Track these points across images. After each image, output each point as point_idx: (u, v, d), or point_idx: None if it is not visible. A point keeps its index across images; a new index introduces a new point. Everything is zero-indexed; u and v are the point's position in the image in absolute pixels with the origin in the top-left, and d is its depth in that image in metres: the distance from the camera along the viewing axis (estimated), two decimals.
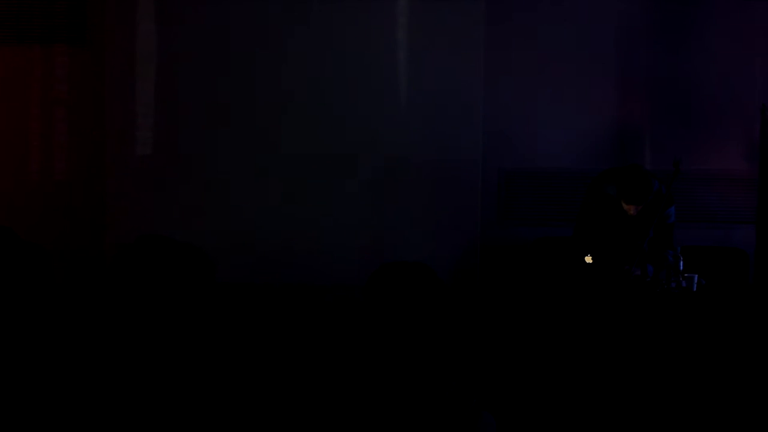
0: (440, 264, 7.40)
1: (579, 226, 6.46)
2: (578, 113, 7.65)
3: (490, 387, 5.22)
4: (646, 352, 5.63)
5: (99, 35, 7.49)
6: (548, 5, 7.64)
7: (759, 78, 7.72)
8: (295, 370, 5.33)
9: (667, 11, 7.70)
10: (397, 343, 5.75)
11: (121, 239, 7.24)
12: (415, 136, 7.47)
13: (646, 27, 7.69)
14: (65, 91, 7.61)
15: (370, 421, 4.20)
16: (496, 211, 7.68)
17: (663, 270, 6.14)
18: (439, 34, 7.46)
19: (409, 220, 7.49)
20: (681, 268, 6.06)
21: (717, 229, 7.71)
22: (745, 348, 5.76)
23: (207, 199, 7.43)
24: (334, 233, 7.46)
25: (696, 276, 6.09)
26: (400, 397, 4.83)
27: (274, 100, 7.46)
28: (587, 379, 5.35)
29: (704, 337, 5.78)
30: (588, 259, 6.16)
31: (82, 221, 7.55)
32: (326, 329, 6.40)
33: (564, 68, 7.63)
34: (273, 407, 4.59)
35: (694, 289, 6.04)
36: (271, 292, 7.35)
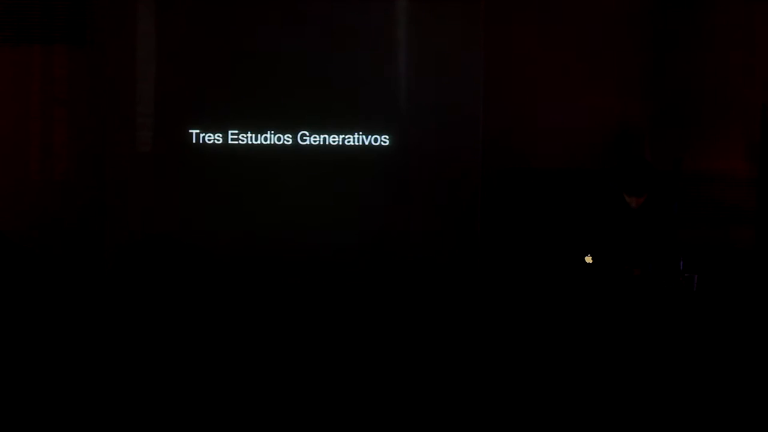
0: (441, 262, 7.41)
1: (599, 229, 6.44)
2: (578, 113, 7.65)
3: (489, 385, 5.22)
4: (646, 352, 5.63)
5: (99, 35, 7.50)
6: (548, 5, 7.65)
7: (759, 78, 7.72)
8: (297, 367, 5.33)
9: (667, 12, 7.71)
10: (398, 340, 5.76)
11: (121, 239, 7.24)
12: (416, 137, 7.48)
13: (646, 28, 7.69)
14: (65, 91, 7.61)
15: (371, 415, 4.20)
16: (496, 210, 7.68)
17: (664, 267, 6.14)
18: (439, 34, 7.46)
19: (410, 219, 7.50)
20: (681, 268, 6.06)
21: (717, 229, 7.71)
22: (745, 348, 5.76)
23: (206, 198, 7.43)
24: (334, 232, 7.46)
25: (696, 276, 6.09)
26: (400, 392, 4.83)
27: (273, 100, 7.46)
28: (587, 379, 5.35)
29: (704, 337, 5.78)
30: (588, 259, 6.16)
31: (82, 221, 7.55)
32: (328, 327, 6.40)
33: (564, 68, 7.64)
34: (275, 402, 4.59)
35: (694, 289, 6.03)
36: (272, 290, 7.35)
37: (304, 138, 7.49)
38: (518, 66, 7.66)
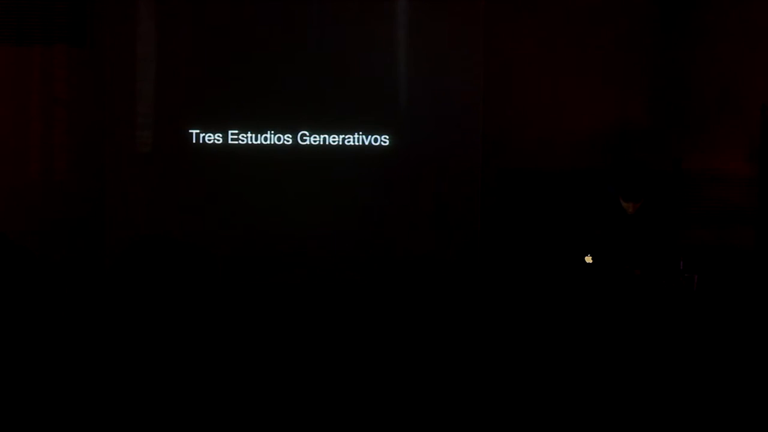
0: (441, 261, 7.40)
1: (591, 230, 6.46)
2: (578, 113, 7.66)
3: (489, 384, 5.22)
4: (646, 352, 5.63)
5: (99, 35, 7.50)
6: (548, 5, 7.65)
7: (759, 78, 7.72)
8: (298, 366, 5.33)
9: (667, 11, 7.71)
10: (399, 340, 5.76)
11: (121, 239, 7.24)
12: (416, 137, 7.48)
13: (646, 27, 7.70)
14: (65, 91, 7.61)
15: (372, 413, 4.20)
16: (496, 210, 7.68)
17: (664, 267, 6.15)
18: (439, 34, 7.46)
19: (411, 219, 7.50)
20: (681, 268, 6.07)
21: (717, 229, 7.71)
22: (745, 348, 5.76)
23: (206, 198, 7.43)
24: (334, 232, 7.46)
25: (696, 276, 6.09)
26: (401, 391, 4.83)
27: (273, 100, 7.46)
28: (587, 378, 5.35)
29: (704, 337, 5.78)
30: (588, 259, 6.16)
31: (82, 221, 7.55)
32: (328, 326, 6.40)
33: (564, 68, 7.64)
34: (276, 402, 4.59)
35: (694, 289, 6.04)
36: (273, 290, 7.35)
37: (304, 138, 7.49)
38: (518, 66, 7.66)
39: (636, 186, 6.22)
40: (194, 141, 7.45)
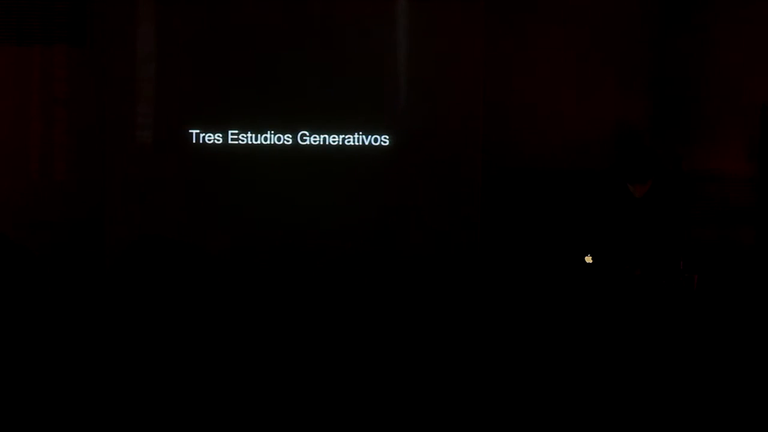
0: (441, 262, 7.40)
1: (601, 227, 6.46)
2: (578, 113, 7.66)
3: (488, 384, 5.22)
4: (646, 352, 5.63)
5: (99, 35, 7.50)
6: (548, 5, 7.65)
7: (759, 78, 7.72)
8: (299, 366, 5.33)
9: (668, 11, 7.71)
10: (399, 340, 5.76)
11: (121, 239, 7.24)
12: (416, 137, 7.48)
13: (646, 27, 7.70)
14: (65, 91, 7.61)
15: (371, 415, 4.21)
16: (496, 209, 7.68)
17: (663, 268, 6.15)
18: (439, 34, 7.46)
19: (410, 219, 7.50)
20: (681, 267, 6.07)
21: (717, 229, 7.72)
22: (746, 348, 5.76)
23: (206, 198, 7.43)
24: (334, 232, 7.46)
25: (696, 276, 6.09)
26: (401, 390, 4.83)
27: (273, 100, 7.46)
28: (587, 378, 5.35)
29: (704, 337, 5.78)
30: (588, 259, 6.16)
31: (82, 221, 7.55)
32: (329, 326, 6.40)
33: (564, 68, 7.64)
34: (274, 403, 4.59)
35: (694, 289, 6.04)
36: (272, 289, 7.35)
37: (304, 138, 7.49)
38: (518, 66, 7.66)
39: (641, 167, 6.21)
40: (194, 141, 7.45)
